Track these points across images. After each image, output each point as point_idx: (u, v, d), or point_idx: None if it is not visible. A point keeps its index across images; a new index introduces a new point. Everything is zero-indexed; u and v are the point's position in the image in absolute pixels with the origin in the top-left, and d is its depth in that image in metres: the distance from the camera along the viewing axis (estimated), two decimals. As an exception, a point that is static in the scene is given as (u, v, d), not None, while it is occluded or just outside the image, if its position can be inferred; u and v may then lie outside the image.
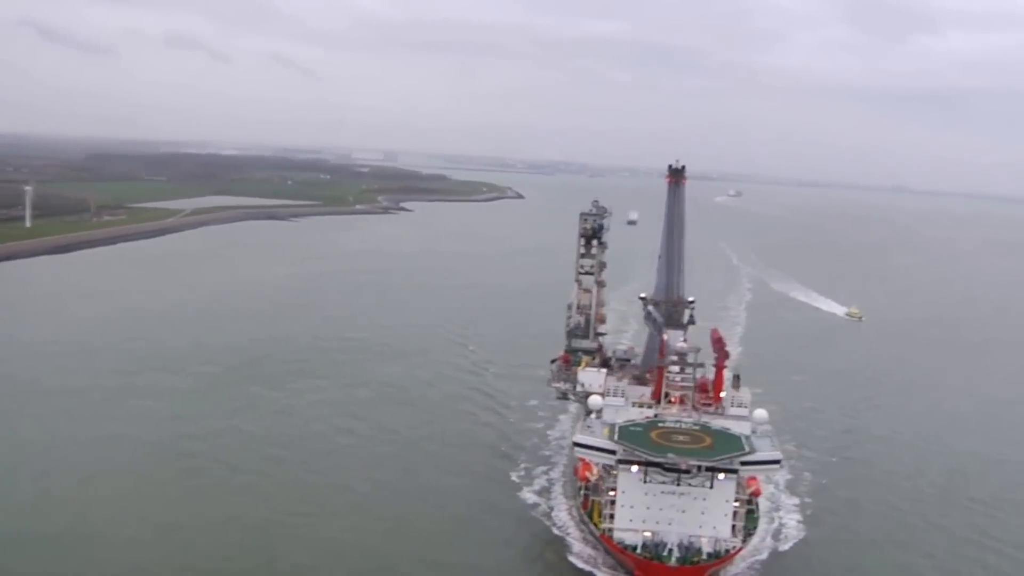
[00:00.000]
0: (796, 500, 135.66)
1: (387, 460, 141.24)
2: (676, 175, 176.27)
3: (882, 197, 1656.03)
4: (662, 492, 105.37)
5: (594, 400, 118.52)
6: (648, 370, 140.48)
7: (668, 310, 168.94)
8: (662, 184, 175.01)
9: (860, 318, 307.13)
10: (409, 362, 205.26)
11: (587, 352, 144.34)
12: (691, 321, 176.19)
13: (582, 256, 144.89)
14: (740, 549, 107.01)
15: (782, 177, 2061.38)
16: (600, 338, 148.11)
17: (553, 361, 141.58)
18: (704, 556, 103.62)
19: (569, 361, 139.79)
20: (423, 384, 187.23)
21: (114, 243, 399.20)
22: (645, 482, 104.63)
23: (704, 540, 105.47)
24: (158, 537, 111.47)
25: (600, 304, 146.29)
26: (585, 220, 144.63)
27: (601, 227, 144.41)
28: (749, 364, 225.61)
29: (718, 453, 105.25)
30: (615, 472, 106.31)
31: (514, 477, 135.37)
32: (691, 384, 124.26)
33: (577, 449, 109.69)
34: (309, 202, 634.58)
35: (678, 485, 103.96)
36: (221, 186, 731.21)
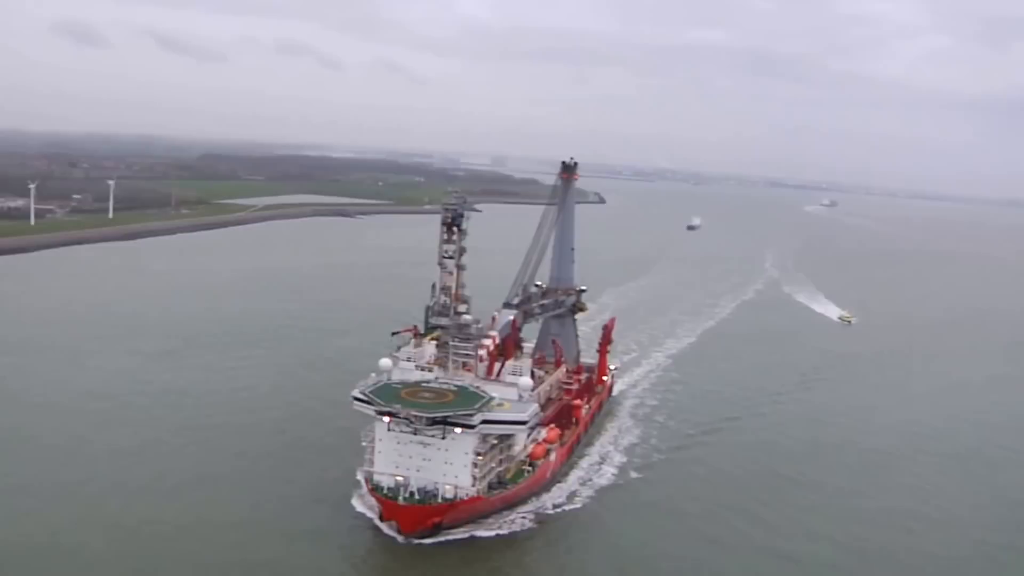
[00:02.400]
0: (614, 468, 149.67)
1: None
2: (568, 171, 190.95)
3: (993, 209, 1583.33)
4: (410, 442, 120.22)
5: (383, 362, 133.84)
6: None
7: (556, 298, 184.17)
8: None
9: (850, 322, 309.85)
10: (350, 337, 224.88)
11: (443, 328, 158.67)
12: (579, 307, 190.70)
13: (444, 242, 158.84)
14: (477, 498, 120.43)
15: (893, 188, 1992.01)
16: (461, 316, 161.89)
17: (395, 333, 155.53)
18: (439, 500, 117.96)
19: (418, 334, 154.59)
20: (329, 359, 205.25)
21: (174, 233, 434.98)
22: (389, 430, 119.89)
23: (445, 487, 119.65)
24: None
25: (460, 286, 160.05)
26: (446, 210, 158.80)
27: (461, 215, 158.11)
28: (689, 352, 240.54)
29: (450, 408, 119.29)
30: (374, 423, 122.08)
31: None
32: (472, 353, 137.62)
33: (353, 403, 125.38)
34: (384, 202, 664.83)
35: (415, 435, 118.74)
36: (315, 186, 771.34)
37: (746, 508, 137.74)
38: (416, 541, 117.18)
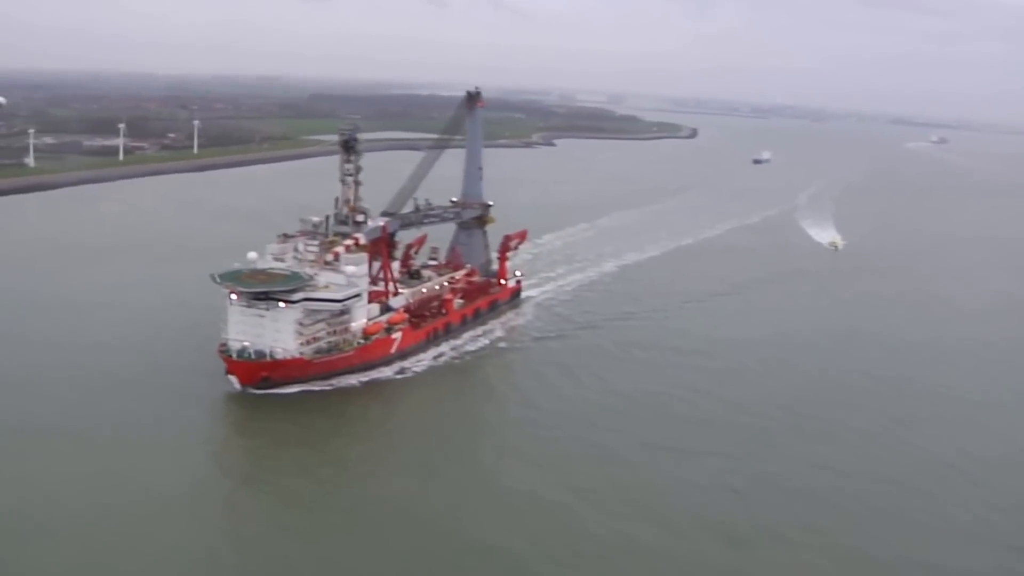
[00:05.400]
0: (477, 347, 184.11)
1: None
2: (471, 99, 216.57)
3: None
4: (249, 313, 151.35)
5: (250, 255, 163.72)
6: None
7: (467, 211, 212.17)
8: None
9: (837, 246, 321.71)
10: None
11: (344, 235, 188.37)
12: (485, 220, 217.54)
13: (344, 162, 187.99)
14: (300, 360, 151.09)
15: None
16: (358, 226, 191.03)
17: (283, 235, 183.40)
18: (267, 359, 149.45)
19: (286, 236, 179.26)
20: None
21: (245, 165, 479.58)
22: (233, 304, 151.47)
23: (275, 349, 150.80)
24: None
25: (357, 199, 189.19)
26: (342, 134, 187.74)
27: (355, 139, 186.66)
28: (645, 263, 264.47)
29: (273, 286, 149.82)
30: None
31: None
32: (317, 247, 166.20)
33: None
34: (460, 137, 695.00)
35: (250, 308, 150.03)
36: (408, 123, 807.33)
37: (572, 369, 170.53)
38: (251, 391, 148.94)
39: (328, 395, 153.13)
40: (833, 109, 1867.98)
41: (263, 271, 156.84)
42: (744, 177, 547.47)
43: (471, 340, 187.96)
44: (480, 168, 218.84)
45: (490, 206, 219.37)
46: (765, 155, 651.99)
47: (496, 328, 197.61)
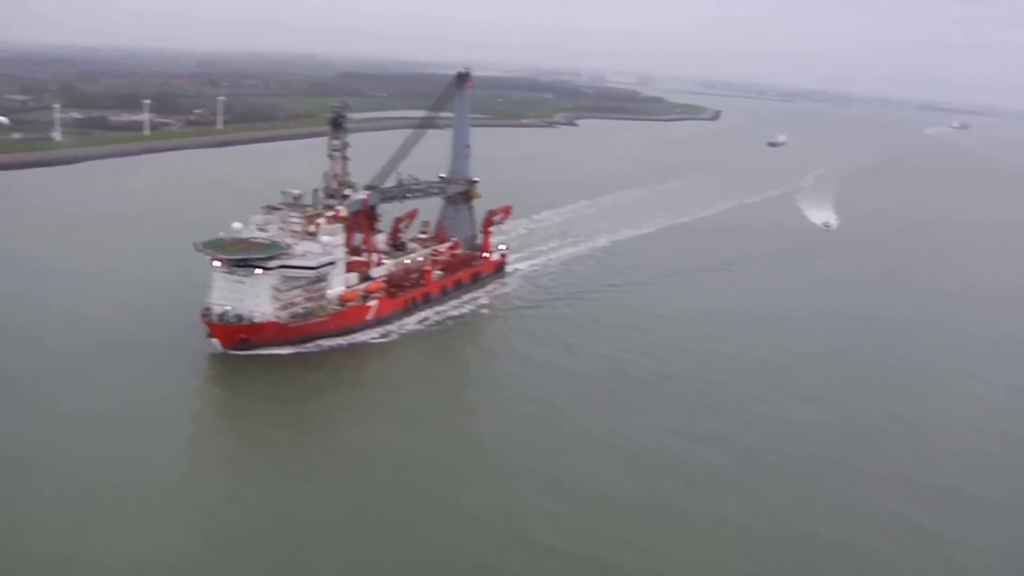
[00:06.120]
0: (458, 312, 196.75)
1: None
2: (460, 79, 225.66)
3: None
4: (231, 280, 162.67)
5: (234, 225, 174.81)
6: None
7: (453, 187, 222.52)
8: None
9: (829, 225, 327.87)
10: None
11: (330, 208, 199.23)
12: (471, 195, 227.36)
13: (332, 138, 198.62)
14: (276, 323, 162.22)
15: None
16: (344, 199, 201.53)
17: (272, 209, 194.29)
18: (245, 322, 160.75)
19: (271, 207, 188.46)
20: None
21: (267, 142, 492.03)
22: (215, 271, 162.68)
23: (253, 313, 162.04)
24: None
25: (345, 173, 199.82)
26: (331, 112, 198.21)
27: (343, 116, 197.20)
28: (636, 240, 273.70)
29: (250, 254, 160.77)
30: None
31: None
32: (301, 218, 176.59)
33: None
34: (482, 115, 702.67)
35: (231, 274, 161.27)
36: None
37: (539, 336, 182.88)
38: (231, 352, 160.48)
39: (304, 356, 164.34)
40: (859, 94, 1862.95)
41: (244, 240, 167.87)
42: (756, 159, 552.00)
43: (451, 309, 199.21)
44: (468, 146, 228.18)
45: (476, 182, 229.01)
46: (780, 138, 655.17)
47: (479, 298, 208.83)
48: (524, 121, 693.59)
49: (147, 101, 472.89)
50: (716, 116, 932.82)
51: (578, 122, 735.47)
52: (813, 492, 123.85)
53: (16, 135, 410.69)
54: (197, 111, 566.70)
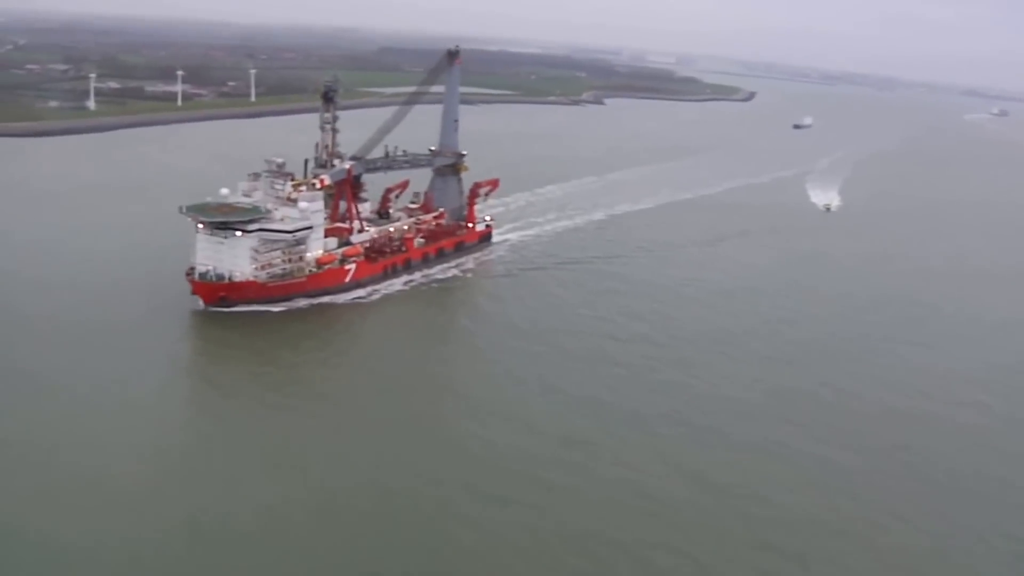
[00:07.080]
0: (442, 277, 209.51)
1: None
2: (450, 56, 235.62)
3: None
4: (213, 241, 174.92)
5: (222, 191, 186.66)
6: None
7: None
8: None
9: (829, 208, 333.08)
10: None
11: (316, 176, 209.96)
12: (459, 168, 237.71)
13: (323, 112, 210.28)
14: (254, 282, 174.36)
15: None
16: (336, 168, 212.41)
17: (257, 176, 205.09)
18: (225, 281, 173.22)
19: (256, 175, 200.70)
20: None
21: (293, 114, 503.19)
22: (198, 232, 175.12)
23: (233, 273, 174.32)
24: None
25: (335, 145, 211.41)
26: (323, 87, 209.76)
27: (334, 91, 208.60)
28: (633, 214, 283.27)
29: (230, 217, 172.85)
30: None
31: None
32: (284, 187, 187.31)
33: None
34: (510, 92, 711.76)
35: (212, 236, 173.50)
36: (470, 79, 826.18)
37: (506, 300, 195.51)
38: (212, 309, 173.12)
39: (283, 314, 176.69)
40: (904, 78, 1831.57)
41: (228, 204, 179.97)
42: (777, 140, 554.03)
43: (432, 275, 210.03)
44: (456, 120, 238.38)
45: (463, 155, 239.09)
46: (807, 120, 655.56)
47: (463, 264, 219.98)
48: (550, 99, 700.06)
49: (180, 72, 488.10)
50: (749, 97, 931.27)
51: (606, 101, 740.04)
52: (734, 440, 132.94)
53: (52, 103, 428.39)
54: (231, 83, 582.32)
